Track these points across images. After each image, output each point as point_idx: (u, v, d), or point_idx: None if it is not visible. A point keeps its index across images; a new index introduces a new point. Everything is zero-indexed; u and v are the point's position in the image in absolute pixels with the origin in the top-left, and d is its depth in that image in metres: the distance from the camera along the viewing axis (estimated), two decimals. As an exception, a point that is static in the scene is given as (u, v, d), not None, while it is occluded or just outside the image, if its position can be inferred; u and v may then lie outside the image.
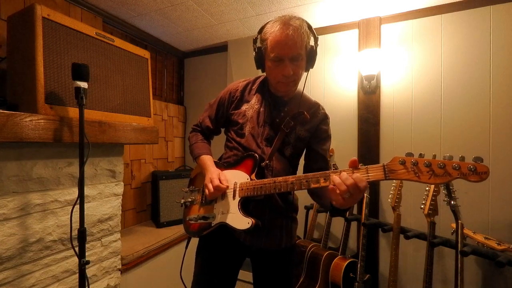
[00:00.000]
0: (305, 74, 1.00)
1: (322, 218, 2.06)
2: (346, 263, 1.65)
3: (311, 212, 2.08)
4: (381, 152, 2.00)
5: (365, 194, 1.80)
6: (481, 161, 0.57)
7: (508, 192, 1.64)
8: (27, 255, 1.14)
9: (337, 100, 2.15)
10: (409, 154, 0.64)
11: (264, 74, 1.07)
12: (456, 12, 1.79)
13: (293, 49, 0.90)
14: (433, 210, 1.45)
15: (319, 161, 1.05)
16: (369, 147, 2.02)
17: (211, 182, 0.97)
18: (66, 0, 1.72)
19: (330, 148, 2.14)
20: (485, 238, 1.41)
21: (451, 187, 1.41)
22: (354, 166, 0.73)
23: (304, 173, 0.91)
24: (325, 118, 1.07)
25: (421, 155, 0.63)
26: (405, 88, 1.94)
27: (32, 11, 1.08)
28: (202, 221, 1.05)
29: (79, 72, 1.09)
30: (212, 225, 1.01)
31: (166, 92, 2.69)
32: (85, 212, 1.09)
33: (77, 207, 1.08)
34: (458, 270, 1.29)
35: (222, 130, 1.22)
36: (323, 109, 1.09)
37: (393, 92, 1.98)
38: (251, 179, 0.96)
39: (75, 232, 1.11)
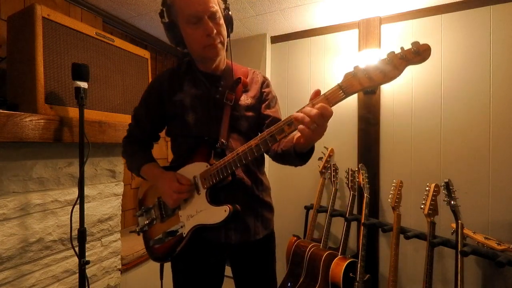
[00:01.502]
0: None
1: (322, 218, 2.06)
2: (346, 263, 1.65)
3: (311, 212, 2.08)
4: (381, 152, 2.00)
5: (365, 194, 1.80)
6: (419, 43, 0.59)
7: (508, 192, 1.64)
8: (27, 255, 1.14)
9: (337, 100, 2.15)
10: (356, 67, 0.64)
11: (185, 59, 0.99)
12: (456, 12, 1.79)
13: (208, 3, 0.82)
14: (433, 210, 1.45)
15: (274, 124, 0.98)
16: (369, 147, 2.02)
17: (170, 188, 0.87)
18: (66, 0, 1.72)
19: (330, 148, 2.15)
20: (485, 238, 1.41)
21: (451, 187, 1.41)
22: (314, 97, 0.69)
23: None
24: (265, 80, 1.02)
25: (368, 65, 0.63)
26: (405, 88, 1.94)
27: (32, 11, 1.08)
28: (170, 237, 0.92)
29: (79, 72, 1.09)
30: (184, 235, 0.89)
31: (166, 92, 2.69)
32: (85, 212, 1.10)
33: (77, 207, 1.08)
34: (458, 270, 1.29)
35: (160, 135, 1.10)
36: (260, 73, 1.03)
37: (393, 92, 1.98)
38: (210, 165, 0.86)
39: (75, 232, 1.11)
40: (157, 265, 1.92)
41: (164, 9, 0.87)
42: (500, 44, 1.68)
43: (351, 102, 2.10)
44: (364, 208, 1.77)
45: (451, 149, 1.80)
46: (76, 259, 1.12)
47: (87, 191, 1.36)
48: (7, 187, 1.08)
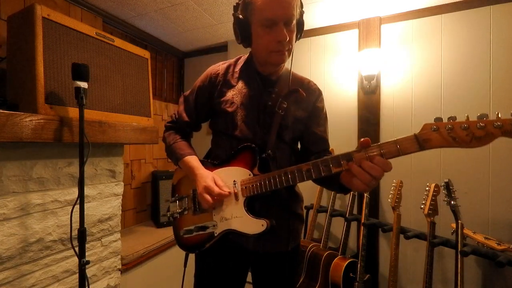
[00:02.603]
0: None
1: (322, 218, 2.06)
2: (346, 263, 1.65)
3: (311, 212, 2.08)
4: (381, 152, 2.00)
5: (365, 194, 1.80)
6: None
7: (508, 192, 1.64)
8: (27, 255, 1.14)
9: (337, 100, 2.15)
10: (438, 119, 0.58)
11: (242, 55, 0.98)
12: (456, 12, 1.79)
13: (289, 10, 0.79)
14: (433, 210, 1.45)
15: (320, 143, 0.95)
16: (369, 147, 2.02)
17: (208, 191, 0.84)
18: (66, 0, 1.72)
19: (330, 148, 2.14)
20: (485, 238, 1.41)
21: (451, 187, 1.41)
22: (367, 146, 0.64)
23: (301, 158, 0.80)
24: (320, 94, 0.98)
25: (452, 118, 0.57)
26: (405, 88, 1.94)
27: (32, 11, 1.08)
28: (201, 232, 0.91)
29: (79, 72, 1.09)
30: (216, 234, 0.89)
31: (166, 92, 2.69)
32: (85, 212, 1.09)
33: (77, 207, 1.08)
34: (458, 270, 1.29)
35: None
36: (314, 84, 1.00)
37: (393, 92, 1.98)
38: (254, 174, 0.83)
39: (75, 232, 1.11)
40: (157, 265, 1.93)
41: (240, 3, 0.86)
42: (500, 44, 1.68)
43: (351, 102, 2.10)
44: (364, 208, 1.77)
45: (451, 149, 1.78)
46: (76, 259, 1.12)
47: (87, 191, 1.36)
48: (7, 187, 1.07)
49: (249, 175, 0.84)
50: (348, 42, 2.12)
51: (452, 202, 1.39)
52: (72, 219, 1.13)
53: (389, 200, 1.64)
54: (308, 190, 2.21)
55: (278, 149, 0.89)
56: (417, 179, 1.88)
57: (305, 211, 2.12)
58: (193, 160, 0.94)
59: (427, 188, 1.50)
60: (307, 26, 2.15)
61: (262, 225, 0.80)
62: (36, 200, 1.16)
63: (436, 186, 1.46)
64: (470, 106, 1.75)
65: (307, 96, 0.94)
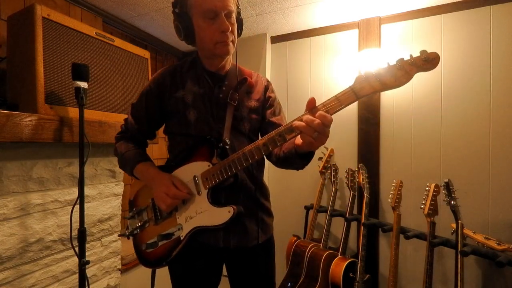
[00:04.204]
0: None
1: (322, 218, 2.06)
2: (346, 263, 1.65)
3: (311, 212, 2.08)
4: (381, 152, 2.00)
5: (365, 194, 1.80)
6: (426, 51, 0.62)
7: (508, 192, 1.64)
8: (27, 255, 1.14)
9: (337, 100, 2.15)
10: (368, 72, 0.67)
11: (188, 58, 0.99)
12: (456, 12, 1.79)
13: (227, 2, 0.83)
14: (433, 210, 1.45)
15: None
16: (369, 147, 2.02)
17: (166, 191, 0.83)
18: (66, 0, 1.72)
19: (330, 148, 2.15)
20: (485, 238, 1.41)
21: (451, 187, 1.41)
22: (313, 107, 0.69)
23: None
24: (269, 84, 1.02)
25: (377, 68, 0.66)
26: (405, 88, 1.94)
27: (32, 11, 1.08)
28: (165, 241, 0.87)
29: (79, 72, 1.09)
30: (182, 238, 0.85)
31: (166, 92, 2.69)
32: (85, 212, 1.10)
33: (77, 207, 1.08)
34: (458, 270, 1.29)
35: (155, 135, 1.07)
36: (263, 76, 1.03)
37: (393, 92, 1.98)
38: (213, 164, 0.82)
39: (75, 232, 1.11)
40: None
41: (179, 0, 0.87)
42: (500, 44, 1.68)
43: (351, 102, 2.09)
44: (364, 208, 1.77)
45: (451, 149, 1.80)
46: (76, 259, 1.12)
47: (87, 191, 1.36)
48: (7, 187, 1.08)
49: (208, 166, 0.83)
50: (348, 42, 2.12)
51: (452, 202, 1.39)
52: (72, 219, 1.13)
53: (389, 200, 1.64)
54: (308, 190, 2.21)
55: (237, 141, 0.90)
56: (417, 179, 1.88)
57: (304, 210, 2.14)
58: (149, 166, 0.91)
59: (427, 188, 1.50)
60: (307, 26, 2.19)
61: (229, 212, 0.79)
62: (36, 200, 1.16)
63: (436, 186, 1.46)
64: (470, 106, 1.75)
65: (257, 86, 0.98)
